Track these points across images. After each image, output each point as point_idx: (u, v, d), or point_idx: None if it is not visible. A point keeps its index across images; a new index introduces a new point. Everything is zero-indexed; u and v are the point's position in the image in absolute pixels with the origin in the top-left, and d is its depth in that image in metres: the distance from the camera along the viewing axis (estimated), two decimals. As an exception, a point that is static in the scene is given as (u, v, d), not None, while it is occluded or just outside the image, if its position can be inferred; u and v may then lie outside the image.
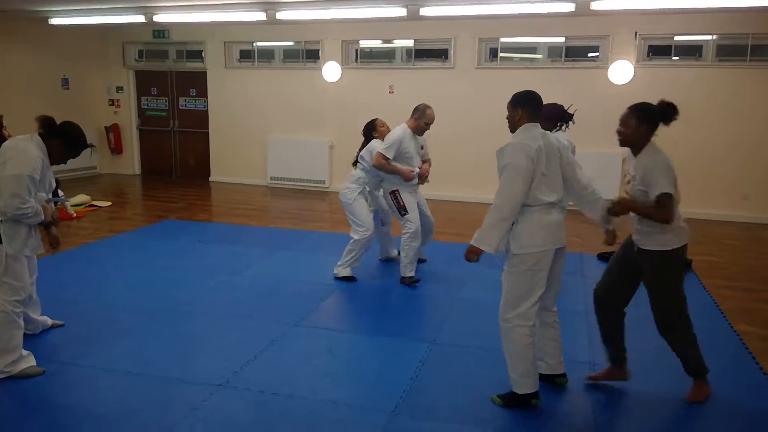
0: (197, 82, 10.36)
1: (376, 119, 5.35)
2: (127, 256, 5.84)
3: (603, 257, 5.78)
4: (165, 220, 7.47)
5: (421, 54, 9.05)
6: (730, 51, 7.74)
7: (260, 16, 8.22)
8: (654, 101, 3.06)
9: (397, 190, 5.01)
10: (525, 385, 3.08)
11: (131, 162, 11.09)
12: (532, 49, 8.68)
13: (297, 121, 9.70)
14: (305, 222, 7.53)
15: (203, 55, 10.17)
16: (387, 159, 4.90)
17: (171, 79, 10.60)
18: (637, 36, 7.89)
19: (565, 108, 4.12)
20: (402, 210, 5.01)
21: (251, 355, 3.71)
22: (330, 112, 9.45)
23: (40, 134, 3.40)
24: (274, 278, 5.26)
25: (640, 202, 3.04)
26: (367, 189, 5.24)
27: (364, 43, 9.38)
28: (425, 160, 5.20)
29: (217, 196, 9.38)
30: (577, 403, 3.27)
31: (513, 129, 3.10)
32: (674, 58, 8.03)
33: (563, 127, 4.13)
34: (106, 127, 10.84)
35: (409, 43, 9.03)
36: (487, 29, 8.44)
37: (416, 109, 4.99)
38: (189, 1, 7.96)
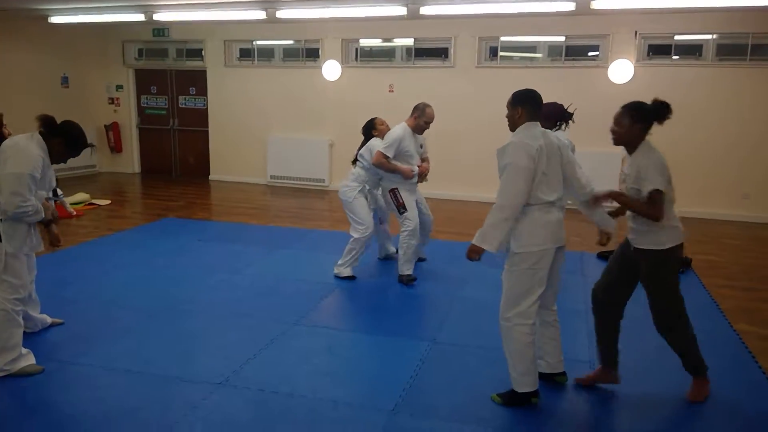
0: (197, 81, 10.35)
1: (376, 118, 5.36)
2: (126, 254, 5.84)
3: (603, 256, 5.78)
4: (164, 219, 7.46)
5: (421, 53, 9.04)
6: (730, 50, 7.74)
7: (260, 14, 8.22)
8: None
9: (396, 188, 5.01)
10: (525, 384, 3.08)
11: (131, 160, 11.08)
12: (532, 48, 8.68)
13: (297, 119, 9.70)
14: (305, 221, 7.52)
15: (203, 53, 10.16)
16: (387, 158, 4.90)
17: (171, 77, 10.59)
18: (637, 35, 7.89)
19: (565, 107, 4.12)
20: (401, 208, 5.01)
21: (251, 353, 3.71)
22: (330, 110, 9.45)
23: (40, 133, 3.40)
24: (274, 277, 5.26)
25: (632, 198, 3.05)
26: (367, 187, 5.24)
27: (364, 42, 9.37)
28: (424, 159, 5.20)
29: (216, 195, 9.38)
30: (577, 401, 3.27)
31: (513, 128, 3.10)
32: (674, 57, 8.03)
33: (563, 126, 4.13)
34: (105, 126, 10.83)
35: (409, 41, 9.02)
36: (488, 28, 8.43)
37: (416, 108, 4.99)
38: (189, -1, 7.96)
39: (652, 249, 3.05)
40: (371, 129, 5.29)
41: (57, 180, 3.90)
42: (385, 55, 9.40)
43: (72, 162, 3.65)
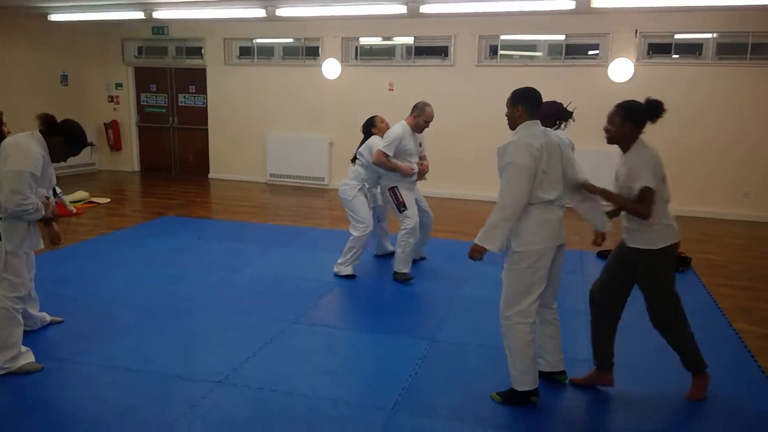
0: (197, 79, 10.34)
1: (376, 116, 5.37)
2: (126, 252, 5.83)
3: (602, 255, 5.78)
4: (164, 217, 7.46)
5: (420, 51, 9.03)
6: (730, 49, 7.74)
7: (260, 12, 8.21)
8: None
9: (396, 187, 5.01)
10: (525, 383, 3.08)
11: (130, 159, 11.07)
12: (532, 46, 8.67)
13: (297, 118, 9.69)
14: (304, 219, 7.52)
15: (203, 51, 10.15)
16: (387, 156, 4.90)
17: (170, 75, 10.58)
18: (638, 34, 7.88)
19: (564, 106, 4.11)
20: (401, 206, 5.01)
21: (250, 352, 3.71)
22: (330, 109, 9.44)
23: (41, 131, 3.39)
24: (274, 275, 5.26)
25: (622, 196, 3.04)
26: (366, 186, 5.24)
27: (364, 40, 9.36)
28: (422, 157, 5.21)
29: (216, 193, 9.37)
30: (576, 400, 3.27)
31: (513, 126, 3.09)
32: (674, 56, 8.02)
33: (562, 125, 4.13)
34: (105, 124, 10.82)
35: (409, 40, 9.01)
36: (487, 27, 8.43)
37: (416, 107, 4.99)
38: (188, -3, 7.96)
39: (644, 248, 3.05)
40: (371, 127, 5.30)
41: (56, 178, 3.91)
42: (385, 53, 9.39)
43: (72, 160, 3.64)
